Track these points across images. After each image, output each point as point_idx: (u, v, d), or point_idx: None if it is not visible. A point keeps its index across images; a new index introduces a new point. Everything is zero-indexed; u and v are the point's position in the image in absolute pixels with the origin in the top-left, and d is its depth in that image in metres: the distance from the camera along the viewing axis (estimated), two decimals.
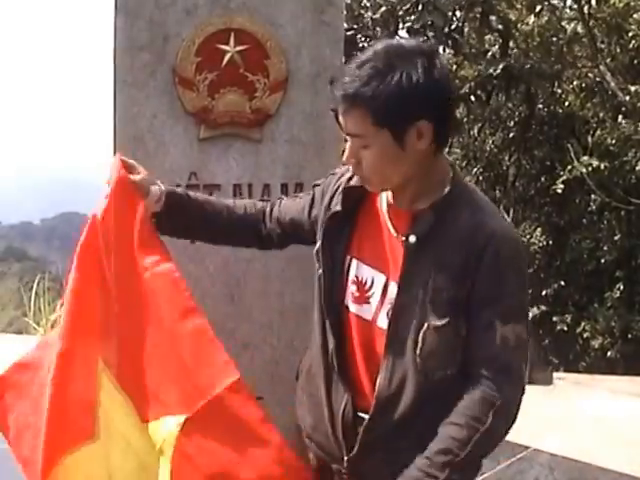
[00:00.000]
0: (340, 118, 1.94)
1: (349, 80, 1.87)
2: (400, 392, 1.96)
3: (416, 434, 1.94)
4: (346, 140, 1.98)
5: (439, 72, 1.88)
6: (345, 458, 2.08)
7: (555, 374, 6.72)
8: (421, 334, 1.92)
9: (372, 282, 2.04)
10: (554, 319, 11.93)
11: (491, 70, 9.48)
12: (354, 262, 2.07)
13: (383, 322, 2.01)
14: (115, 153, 2.73)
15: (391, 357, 1.97)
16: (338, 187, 2.15)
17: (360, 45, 8.76)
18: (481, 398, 1.88)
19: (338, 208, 2.09)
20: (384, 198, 2.07)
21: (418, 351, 1.92)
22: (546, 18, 11.65)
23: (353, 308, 2.07)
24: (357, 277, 2.06)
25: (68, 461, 2.10)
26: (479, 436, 1.87)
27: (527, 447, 4.88)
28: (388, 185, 2.00)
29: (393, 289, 1.99)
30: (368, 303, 2.04)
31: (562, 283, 12.35)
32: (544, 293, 12.23)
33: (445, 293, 1.91)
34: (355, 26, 8.58)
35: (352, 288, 2.07)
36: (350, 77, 1.87)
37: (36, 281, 9.49)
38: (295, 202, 2.34)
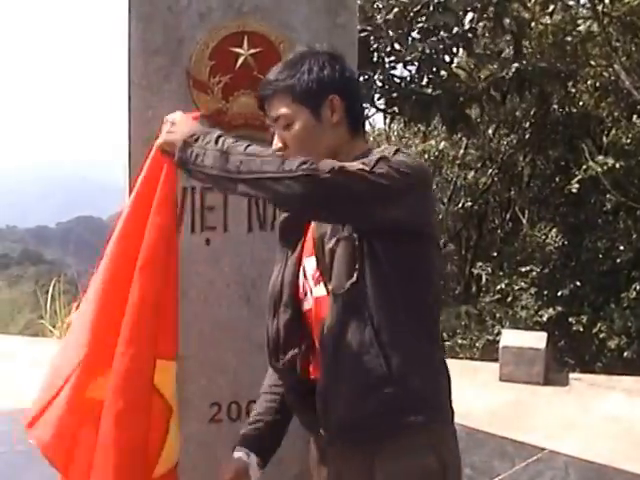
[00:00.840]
0: (265, 108, 2.18)
1: (269, 73, 2.18)
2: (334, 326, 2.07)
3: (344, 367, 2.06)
4: (274, 133, 2.18)
5: (342, 62, 2.19)
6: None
7: (571, 375, 6.69)
8: (330, 248, 2.07)
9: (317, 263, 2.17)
10: (570, 320, 11.88)
11: (504, 72, 9.44)
12: (301, 268, 2.23)
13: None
14: (130, 156, 2.75)
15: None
16: None
17: (373, 46, 8.75)
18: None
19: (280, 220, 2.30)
20: None
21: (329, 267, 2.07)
22: (560, 17, 11.62)
23: (317, 292, 2.18)
24: (313, 268, 2.19)
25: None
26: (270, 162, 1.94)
27: (543, 449, 4.88)
28: None
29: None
30: (320, 281, 2.16)
31: (578, 283, 12.29)
32: (560, 294, 12.19)
33: None
34: (368, 27, 8.57)
35: (314, 280, 2.19)
36: (270, 72, 2.18)
37: (52, 284, 9.54)
38: None
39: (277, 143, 2.16)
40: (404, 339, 2.04)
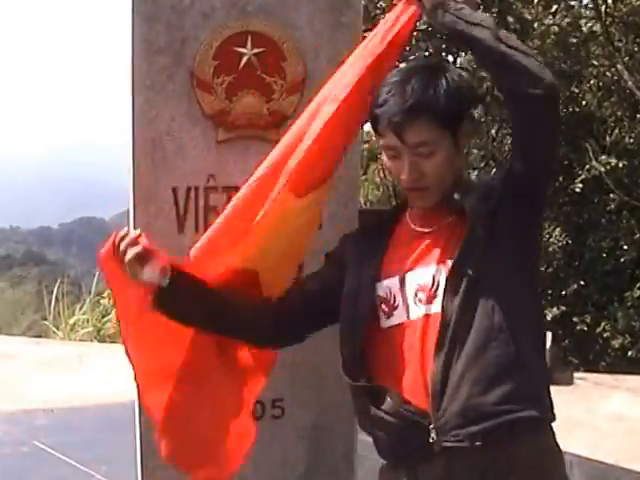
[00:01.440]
0: (393, 134, 2.04)
1: (405, 93, 2.01)
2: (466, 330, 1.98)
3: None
4: (394, 157, 2.08)
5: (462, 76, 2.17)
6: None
7: (575, 374, 6.69)
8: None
9: (432, 278, 2.06)
10: (574, 319, 11.87)
11: None
12: (396, 279, 2.11)
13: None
14: (133, 156, 2.75)
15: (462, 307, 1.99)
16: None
17: None
18: None
19: (356, 231, 2.28)
20: (409, 218, 2.18)
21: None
22: (562, 17, 11.62)
23: (423, 312, 2.06)
24: (419, 284, 2.08)
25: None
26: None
27: None
28: (442, 191, 2.09)
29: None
30: (437, 297, 2.05)
31: (581, 283, 12.29)
32: (563, 293, 12.18)
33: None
34: (371, 27, 8.58)
35: (419, 296, 2.08)
36: (401, 92, 2.02)
37: (56, 285, 9.55)
38: (318, 273, 2.36)
39: (412, 172, 2.05)
40: (527, 325, 2.03)
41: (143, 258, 2.14)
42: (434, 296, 2.04)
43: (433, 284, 2.05)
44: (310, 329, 2.36)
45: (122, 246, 2.13)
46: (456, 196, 2.07)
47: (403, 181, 2.09)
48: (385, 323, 2.12)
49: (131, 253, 2.13)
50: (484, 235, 2.01)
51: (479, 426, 1.93)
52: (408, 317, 2.07)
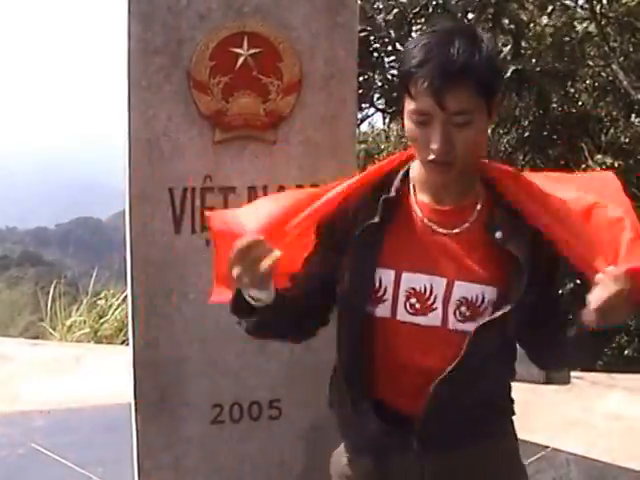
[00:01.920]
0: (430, 99, 1.81)
1: (450, 55, 1.80)
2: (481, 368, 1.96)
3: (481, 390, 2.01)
4: (423, 123, 1.85)
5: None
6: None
7: (572, 373, 6.67)
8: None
9: (431, 288, 1.96)
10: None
11: (503, 73, 9.46)
12: (391, 273, 1.98)
13: (456, 324, 1.95)
14: (130, 157, 2.75)
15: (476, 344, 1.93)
16: (358, 210, 2.03)
17: (373, 46, 8.77)
18: None
19: (376, 220, 1.97)
20: (415, 204, 2.01)
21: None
22: (557, 17, 11.64)
23: (412, 319, 1.97)
24: (413, 289, 1.96)
25: None
26: None
27: (546, 447, 4.86)
28: (463, 170, 1.91)
29: (460, 289, 1.94)
30: (433, 310, 1.96)
31: (577, 282, 12.29)
32: (560, 292, 12.18)
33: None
34: (368, 27, 8.58)
35: (411, 301, 1.97)
36: (445, 53, 1.80)
37: (52, 286, 9.52)
38: (314, 257, 2.13)
39: (446, 143, 1.84)
40: (512, 374, 2.14)
41: (270, 276, 1.86)
42: (431, 308, 1.95)
43: (431, 294, 1.95)
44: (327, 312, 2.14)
45: (260, 252, 1.80)
46: (498, 235, 1.94)
47: (431, 151, 1.86)
48: (369, 309, 2.00)
49: (269, 262, 1.80)
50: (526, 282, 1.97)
51: (463, 443, 2.01)
52: (394, 316, 1.98)
